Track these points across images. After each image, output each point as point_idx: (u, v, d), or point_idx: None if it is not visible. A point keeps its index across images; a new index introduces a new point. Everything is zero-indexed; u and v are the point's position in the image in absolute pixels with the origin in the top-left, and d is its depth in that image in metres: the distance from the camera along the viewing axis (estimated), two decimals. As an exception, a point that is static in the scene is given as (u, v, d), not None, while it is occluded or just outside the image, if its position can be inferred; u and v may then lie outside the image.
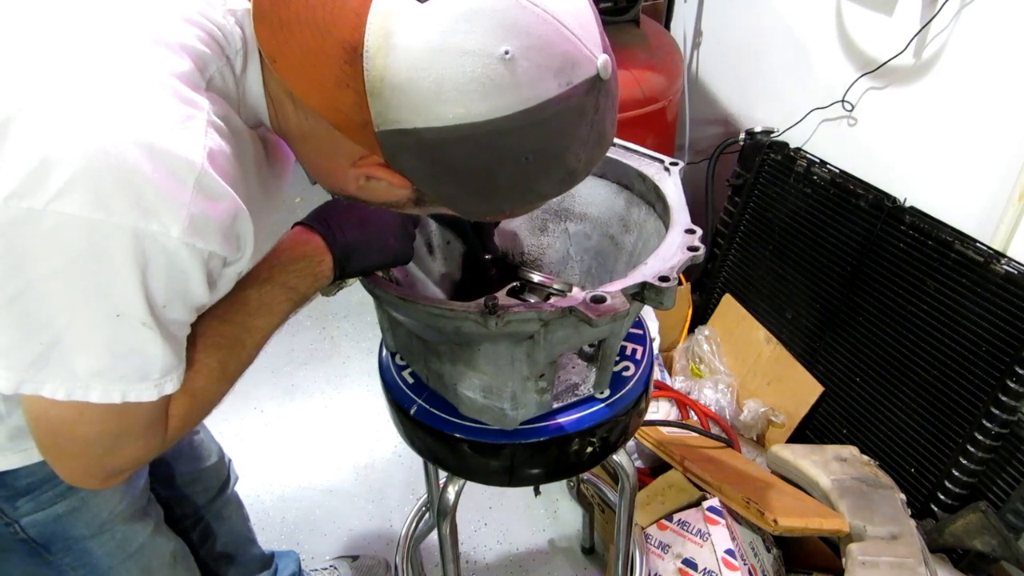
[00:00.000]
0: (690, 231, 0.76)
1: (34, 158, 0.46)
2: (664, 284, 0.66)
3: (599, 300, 0.64)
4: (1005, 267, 1.31)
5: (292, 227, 0.73)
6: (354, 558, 1.62)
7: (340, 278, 0.73)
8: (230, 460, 1.28)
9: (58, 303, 0.51)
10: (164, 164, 0.49)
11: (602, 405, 0.86)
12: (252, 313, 0.67)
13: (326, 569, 1.56)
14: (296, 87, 0.54)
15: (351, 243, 0.72)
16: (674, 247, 0.74)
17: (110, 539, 0.89)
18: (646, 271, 0.69)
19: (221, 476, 1.23)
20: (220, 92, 0.57)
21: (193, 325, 0.62)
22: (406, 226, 0.78)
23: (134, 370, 0.55)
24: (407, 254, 0.79)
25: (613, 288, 0.66)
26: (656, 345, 1.83)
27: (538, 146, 0.55)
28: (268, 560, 1.39)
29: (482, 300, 0.65)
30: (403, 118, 0.52)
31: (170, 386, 0.58)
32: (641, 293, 0.68)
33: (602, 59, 0.54)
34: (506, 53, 0.50)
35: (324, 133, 0.57)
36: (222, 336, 0.65)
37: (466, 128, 0.51)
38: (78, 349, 0.53)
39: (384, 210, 0.71)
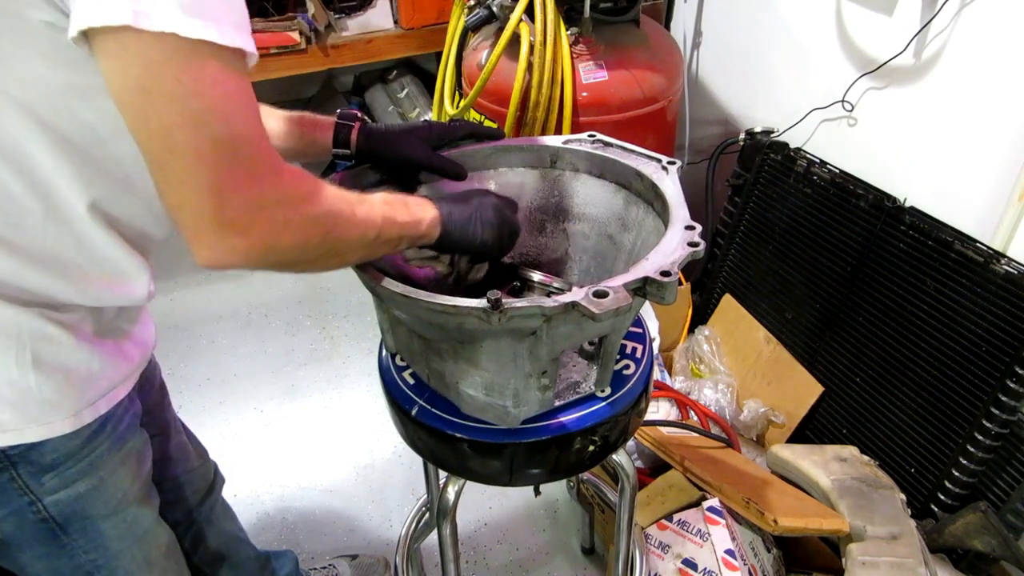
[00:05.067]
0: (690, 227, 0.76)
1: None
2: (666, 279, 0.66)
3: (602, 295, 0.64)
4: (1005, 267, 1.31)
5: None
6: (353, 557, 1.62)
7: (442, 236, 0.81)
8: (215, 464, 1.26)
9: None
10: None
11: (603, 403, 0.86)
12: (371, 197, 0.74)
13: (325, 568, 1.56)
14: None
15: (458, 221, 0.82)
16: (675, 243, 0.74)
17: (122, 521, 0.90)
18: (648, 266, 0.69)
19: (208, 478, 1.22)
20: None
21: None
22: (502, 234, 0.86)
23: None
24: (496, 246, 0.86)
25: (615, 283, 0.66)
26: (656, 345, 1.83)
27: None
28: (264, 560, 1.39)
29: (485, 296, 0.65)
30: None
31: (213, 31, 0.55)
32: (643, 288, 0.68)
33: None
34: None
35: None
36: (351, 192, 0.70)
37: None
38: None
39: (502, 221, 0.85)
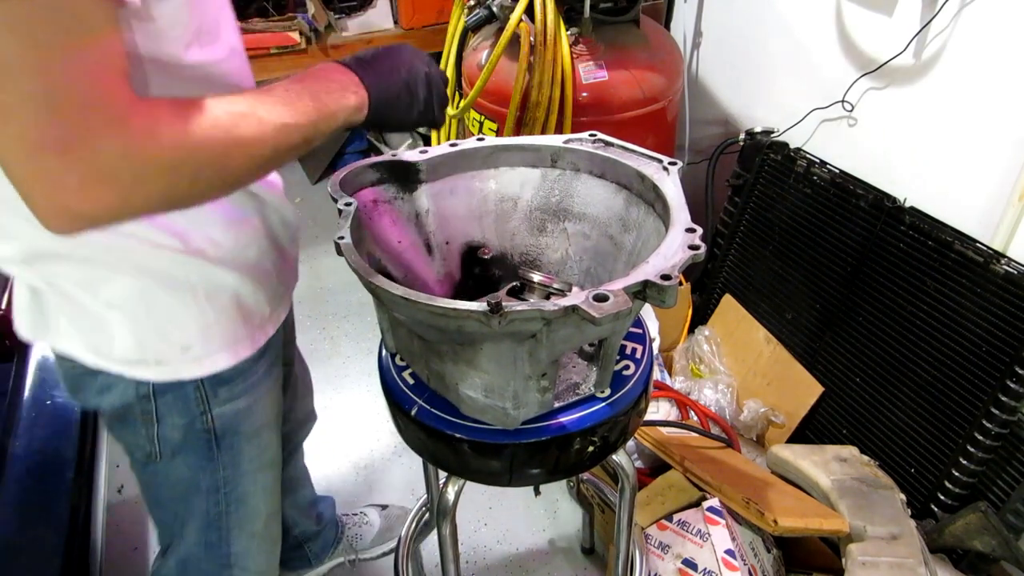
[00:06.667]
0: (691, 230, 0.76)
1: None
2: (666, 282, 0.66)
3: (602, 299, 0.64)
4: (1005, 267, 1.31)
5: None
6: (384, 507, 1.70)
7: (370, 117, 0.76)
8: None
9: None
10: None
11: (603, 404, 0.86)
12: (272, 95, 0.67)
13: (356, 515, 1.66)
14: None
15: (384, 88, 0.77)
16: (675, 245, 0.73)
17: (258, 444, 0.97)
18: (648, 269, 0.69)
19: (307, 409, 1.33)
20: None
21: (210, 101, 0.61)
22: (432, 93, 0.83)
23: None
24: (431, 119, 0.84)
25: (615, 286, 0.66)
26: (656, 345, 1.83)
27: None
28: (313, 501, 1.51)
29: (485, 299, 0.65)
30: None
31: None
32: (643, 291, 0.68)
33: None
34: None
35: None
36: (238, 102, 0.63)
37: None
38: None
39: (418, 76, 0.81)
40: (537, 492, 1.27)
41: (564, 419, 0.84)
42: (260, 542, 1.08)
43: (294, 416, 1.25)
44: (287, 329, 1.12)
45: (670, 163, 0.90)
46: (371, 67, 0.77)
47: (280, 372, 1.01)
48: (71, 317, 0.80)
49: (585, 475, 1.53)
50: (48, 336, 0.83)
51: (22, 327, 0.84)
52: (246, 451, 0.96)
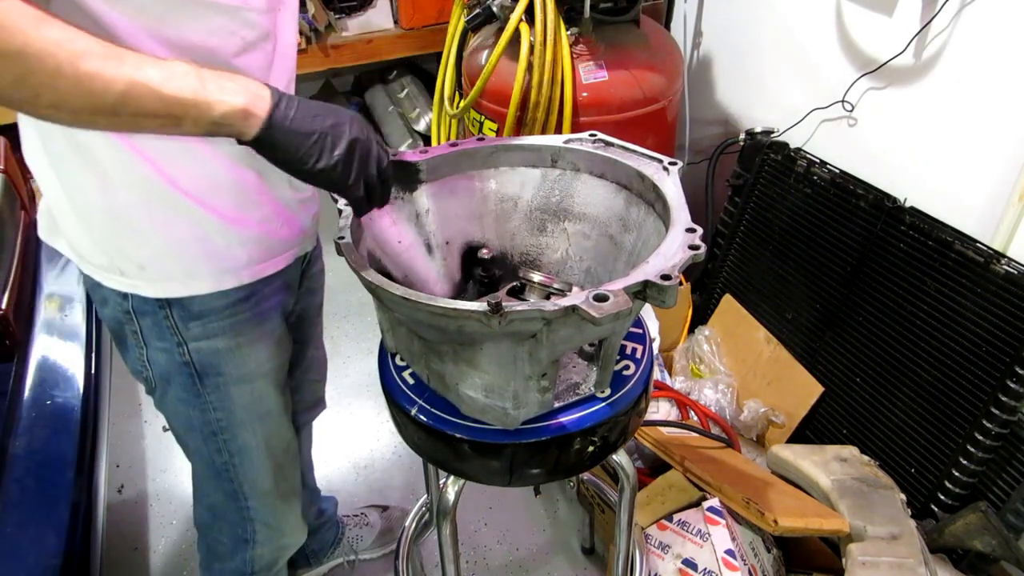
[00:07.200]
0: (691, 230, 0.76)
1: None
2: (666, 282, 0.66)
3: (602, 299, 0.64)
4: (1005, 267, 1.31)
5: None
6: (384, 508, 1.70)
7: (261, 139, 0.69)
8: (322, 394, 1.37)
9: None
10: None
11: (603, 404, 0.86)
12: (158, 60, 0.63)
13: (357, 516, 1.66)
14: None
15: (296, 122, 0.69)
16: (675, 245, 0.74)
17: (249, 392, 0.99)
18: (648, 269, 0.69)
19: (317, 395, 1.34)
20: None
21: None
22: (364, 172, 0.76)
23: None
24: (340, 182, 0.75)
25: (615, 287, 0.66)
26: (656, 345, 1.83)
27: None
28: (316, 496, 1.53)
29: (485, 299, 0.65)
30: None
31: None
32: (643, 291, 0.68)
33: None
34: None
35: None
36: (112, 47, 0.61)
37: None
38: None
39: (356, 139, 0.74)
40: (537, 492, 1.27)
41: (564, 419, 0.84)
42: (274, 500, 1.11)
43: (302, 397, 1.26)
44: (306, 304, 1.16)
45: (670, 163, 0.90)
46: (301, 100, 0.71)
47: (278, 329, 1.02)
48: (61, 221, 0.87)
49: (585, 475, 1.53)
50: (56, 240, 0.91)
51: (41, 230, 0.93)
52: (236, 397, 0.98)
